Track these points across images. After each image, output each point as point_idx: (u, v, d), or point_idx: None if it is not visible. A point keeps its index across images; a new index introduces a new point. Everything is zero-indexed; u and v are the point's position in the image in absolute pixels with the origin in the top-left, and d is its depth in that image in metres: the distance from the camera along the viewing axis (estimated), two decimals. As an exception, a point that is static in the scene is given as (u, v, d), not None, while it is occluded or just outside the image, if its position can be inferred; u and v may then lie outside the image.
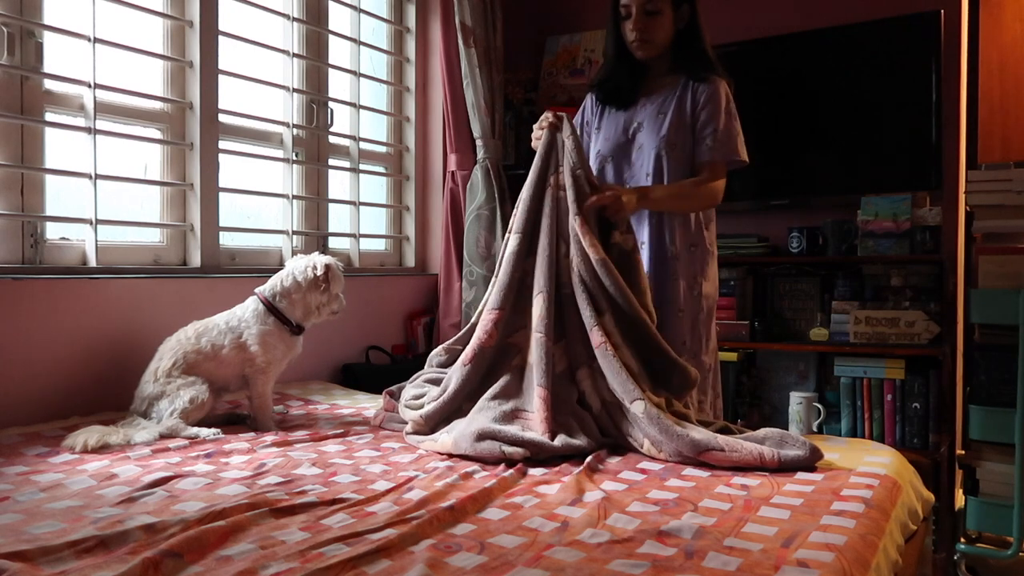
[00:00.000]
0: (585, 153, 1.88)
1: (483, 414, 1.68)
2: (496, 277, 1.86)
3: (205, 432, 1.74)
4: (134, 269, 2.14)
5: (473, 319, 1.91)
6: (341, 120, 2.86)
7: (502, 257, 1.87)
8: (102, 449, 1.59)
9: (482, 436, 1.59)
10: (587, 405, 1.74)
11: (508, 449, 1.56)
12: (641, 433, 1.65)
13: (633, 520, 1.21)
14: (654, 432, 1.60)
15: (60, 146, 2.03)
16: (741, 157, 2.00)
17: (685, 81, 2.01)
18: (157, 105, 2.26)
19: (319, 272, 1.88)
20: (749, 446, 1.54)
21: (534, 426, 1.65)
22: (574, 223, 1.78)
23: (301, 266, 1.90)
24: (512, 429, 1.61)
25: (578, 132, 2.16)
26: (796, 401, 2.72)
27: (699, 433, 1.58)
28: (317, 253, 1.96)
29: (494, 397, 1.73)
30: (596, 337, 1.71)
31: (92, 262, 2.05)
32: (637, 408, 1.62)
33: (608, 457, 1.61)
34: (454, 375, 1.80)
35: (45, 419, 1.82)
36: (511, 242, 1.86)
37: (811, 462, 1.52)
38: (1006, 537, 2.35)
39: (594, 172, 2.02)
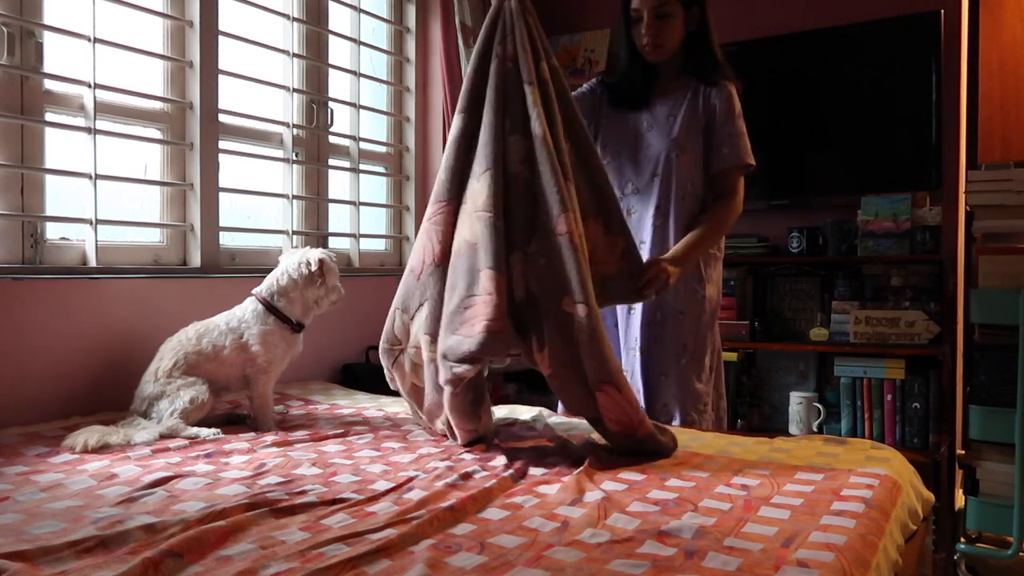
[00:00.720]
0: (538, 23, 1.75)
1: (448, 320, 1.61)
2: (442, 166, 1.71)
3: (205, 432, 1.74)
4: (134, 269, 2.14)
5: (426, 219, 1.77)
6: (341, 120, 2.86)
7: (447, 143, 1.74)
8: (102, 449, 1.59)
9: (445, 357, 1.56)
10: (510, 290, 1.61)
11: (457, 370, 1.55)
12: (549, 338, 1.57)
13: (633, 520, 1.21)
14: (572, 341, 1.54)
15: (60, 146, 2.03)
16: (751, 162, 2.00)
17: (696, 85, 2.00)
18: (157, 105, 2.26)
19: (314, 268, 1.88)
20: (637, 403, 1.58)
21: (477, 312, 1.54)
22: (528, 93, 1.64)
23: (295, 263, 1.90)
24: (456, 340, 1.56)
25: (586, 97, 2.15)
26: (796, 401, 2.72)
27: (610, 363, 1.55)
28: (309, 248, 1.96)
29: (450, 288, 1.62)
30: (562, 225, 1.57)
31: (92, 262, 2.05)
32: (580, 311, 1.53)
33: (608, 457, 1.61)
34: (430, 282, 1.67)
35: (45, 419, 1.82)
36: (455, 124, 1.70)
37: (669, 447, 1.61)
38: (1006, 537, 2.35)
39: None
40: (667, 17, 1.92)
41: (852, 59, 2.82)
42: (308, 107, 2.72)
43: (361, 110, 2.92)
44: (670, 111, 2.01)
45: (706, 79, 1.99)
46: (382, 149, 3.11)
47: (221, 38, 2.36)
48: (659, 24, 1.93)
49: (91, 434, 1.62)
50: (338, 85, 2.86)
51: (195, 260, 2.30)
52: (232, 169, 2.46)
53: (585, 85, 2.17)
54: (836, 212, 2.81)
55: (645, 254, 1.99)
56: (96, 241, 2.05)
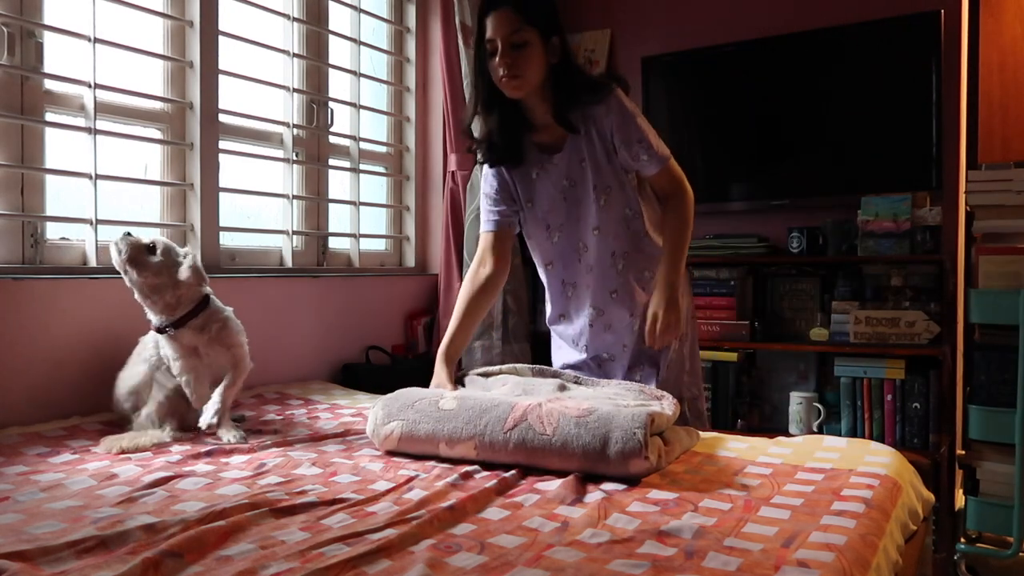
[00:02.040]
0: None
1: None
2: None
3: (227, 436, 1.73)
4: (134, 269, 2.14)
5: None
6: (341, 120, 2.86)
7: None
8: (136, 452, 1.60)
9: None
10: None
11: None
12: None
13: (633, 520, 1.21)
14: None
15: (60, 146, 2.03)
16: (668, 154, 1.88)
17: (582, 116, 1.84)
18: (157, 105, 2.26)
19: (120, 255, 1.73)
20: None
21: None
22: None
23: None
24: None
25: (492, 197, 1.98)
26: (796, 401, 2.72)
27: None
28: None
29: None
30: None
31: (92, 262, 2.06)
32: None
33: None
34: None
35: (45, 419, 1.82)
36: None
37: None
38: (1006, 537, 2.35)
39: (543, 240, 1.98)
40: (523, 46, 1.74)
41: (852, 59, 2.82)
42: (308, 107, 2.72)
43: (361, 110, 2.92)
44: (578, 157, 1.87)
45: (588, 103, 1.83)
46: (382, 149, 3.11)
47: (221, 38, 2.36)
48: (515, 54, 1.74)
49: (122, 439, 1.64)
50: (338, 85, 2.86)
51: (195, 260, 2.30)
52: (232, 169, 2.46)
53: (488, 171, 1.98)
54: (836, 212, 2.81)
55: (620, 302, 1.94)
56: (96, 241, 2.05)
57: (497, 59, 1.76)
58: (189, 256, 1.77)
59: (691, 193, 1.91)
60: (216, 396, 1.76)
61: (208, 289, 1.83)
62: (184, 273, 1.74)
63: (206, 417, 1.72)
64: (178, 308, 1.77)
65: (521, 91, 1.79)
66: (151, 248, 1.74)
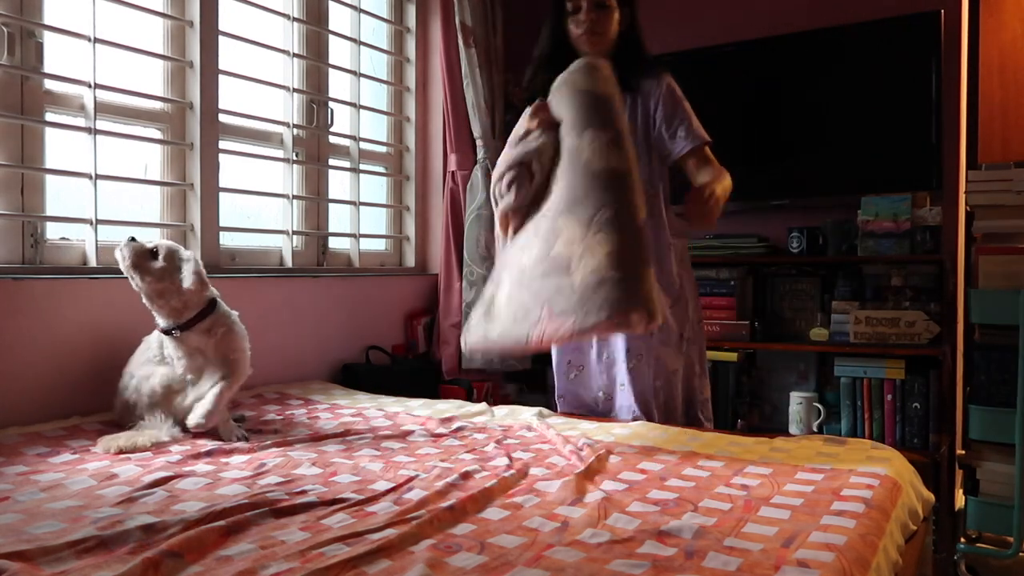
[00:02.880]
0: None
1: None
2: None
3: (228, 436, 1.72)
4: (134, 269, 2.14)
5: None
6: (341, 120, 2.86)
7: None
8: (133, 451, 1.60)
9: None
10: None
11: None
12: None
13: (633, 520, 1.21)
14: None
15: (60, 146, 2.03)
16: (709, 138, 2.01)
17: (633, 90, 2.02)
18: (157, 105, 2.26)
19: (124, 262, 1.74)
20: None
21: None
22: None
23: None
24: None
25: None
26: (796, 401, 2.72)
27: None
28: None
29: None
30: None
31: (92, 262, 2.06)
32: None
33: (609, 456, 1.61)
34: None
35: (45, 419, 1.82)
36: None
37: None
38: (1006, 537, 2.35)
39: None
40: (605, 8, 1.97)
41: (852, 59, 2.82)
42: (308, 107, 2.72)
43: (361, 110, 2.92)
44: None
45: (641, 76, 2.01)
46: (382, 149, 3.11)
47: (221, 38, 2.36)
48: (598, 13, 1.96)
49: (120, 439, 1.63)
50: (338, 85, 2.86)
51: (195, 260, 2.30)
52: (232, 169, 2.46)
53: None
54: (836, 212, 2.81)
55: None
56: (96, 241, 2.05)
57: (582, 15, 1.97)
58: (190, 262, 1.77)
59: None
60: (209, 397, 1.75)
61: (215, 292, 1.84)
62: (188, 280, 1.75)
63: (194, 416, 1.71)
64: (184, 312, 1.78)
65: (597, 47, 1.98)
66: (154, 253, 1.75)
